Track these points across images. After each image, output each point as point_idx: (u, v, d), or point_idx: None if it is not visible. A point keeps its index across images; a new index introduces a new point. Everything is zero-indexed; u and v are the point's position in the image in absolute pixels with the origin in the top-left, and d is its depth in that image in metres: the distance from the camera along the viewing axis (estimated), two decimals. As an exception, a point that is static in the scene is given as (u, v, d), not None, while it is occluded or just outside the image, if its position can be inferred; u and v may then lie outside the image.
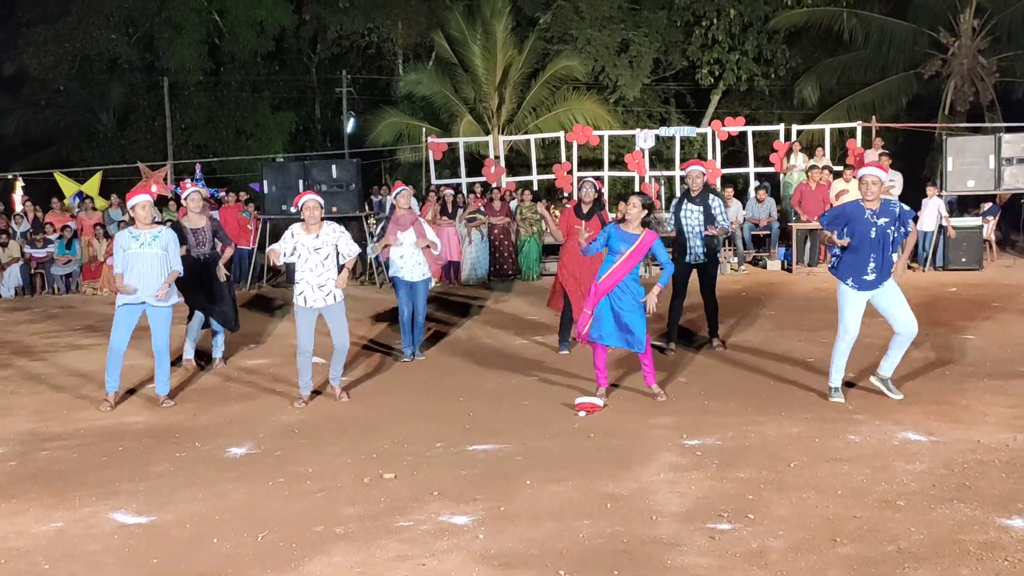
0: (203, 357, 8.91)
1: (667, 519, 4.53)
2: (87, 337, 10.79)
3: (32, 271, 15.60)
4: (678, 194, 18.43)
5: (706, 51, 21.88)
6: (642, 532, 4.38)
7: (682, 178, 18.10)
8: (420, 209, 14.28)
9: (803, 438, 5.81)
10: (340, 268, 7.18)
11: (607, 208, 10.64)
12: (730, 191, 15.49)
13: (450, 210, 14.99)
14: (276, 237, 18.03)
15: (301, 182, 14.40)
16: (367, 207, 16.55)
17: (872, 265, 6.46)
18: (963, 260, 13.95)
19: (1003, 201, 15.51)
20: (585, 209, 8.51)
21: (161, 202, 12.23)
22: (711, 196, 8.61)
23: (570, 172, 17.69)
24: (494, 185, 16.67)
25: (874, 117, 18.30)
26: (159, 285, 7.08)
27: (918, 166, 19.32)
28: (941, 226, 14.10)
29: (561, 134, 18.56)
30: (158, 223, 7.46)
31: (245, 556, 4.32)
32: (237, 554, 4.34)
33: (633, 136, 18.40)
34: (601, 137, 18.30)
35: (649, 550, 4.18)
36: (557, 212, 15.34)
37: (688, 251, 8.62)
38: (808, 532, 4.31)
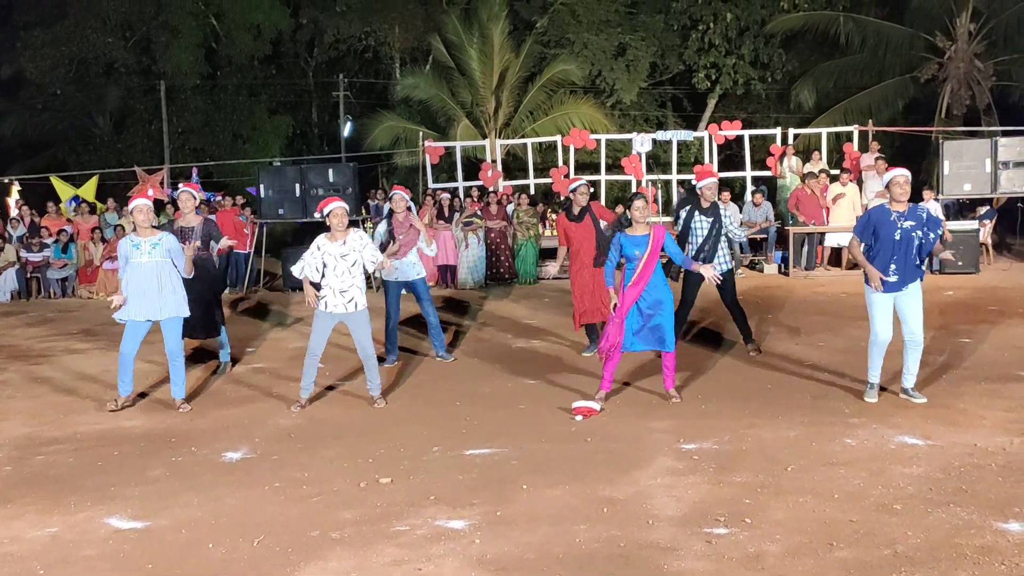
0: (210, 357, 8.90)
1: (664, 523, 4.53)
2: (83, 341, 10.77)
3: (28, 275, 15.57)
4: (674, 198, 18.48)
5: (703, 55, 21.88)
6: (639, 536, 4.38)
7: (680, 182, 18.43)
8: (418, 212, 14.23)
9: (800, 442, 5.82)
10: (367, 276, 7.11)
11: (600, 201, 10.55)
12: (727, 195, 15.48)
13: (447, 214, 14.99)
14: (272, 241, 17.89)
15: (298, 186, 14.40)
16: (364, 211, 16.55)
17: (893, 267, 6.48)
18: (960, 264, 13.94)
19: (999, 204, 15.54)
20: (576, 211, 8.50)
21: (158, 206, 12.19)
22: (720, 207, 8.54)
23: (567, 176, 17.68)
24: (491, 189, 16.67)
25: (871, 121, 18.31)
26: (158, 298, 7.08)
27: (914, 170, 19.09)
28: (938, 230, 14.10)
29: (558, 138, 18.55)
30: (156, 228, 7.44)
31: (240, 561, 4.31)
32: (232, 559, 4.34)
33: (630, 140, 18.38)
34: (598, 141, 18.30)
35: (646, 554, 4.18)
36: (554, 216, 15.36)
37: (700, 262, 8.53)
38: (805, 536, 4.31)
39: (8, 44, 23.88)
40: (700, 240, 8.49)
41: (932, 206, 14.28)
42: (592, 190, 8.83)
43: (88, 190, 18.31)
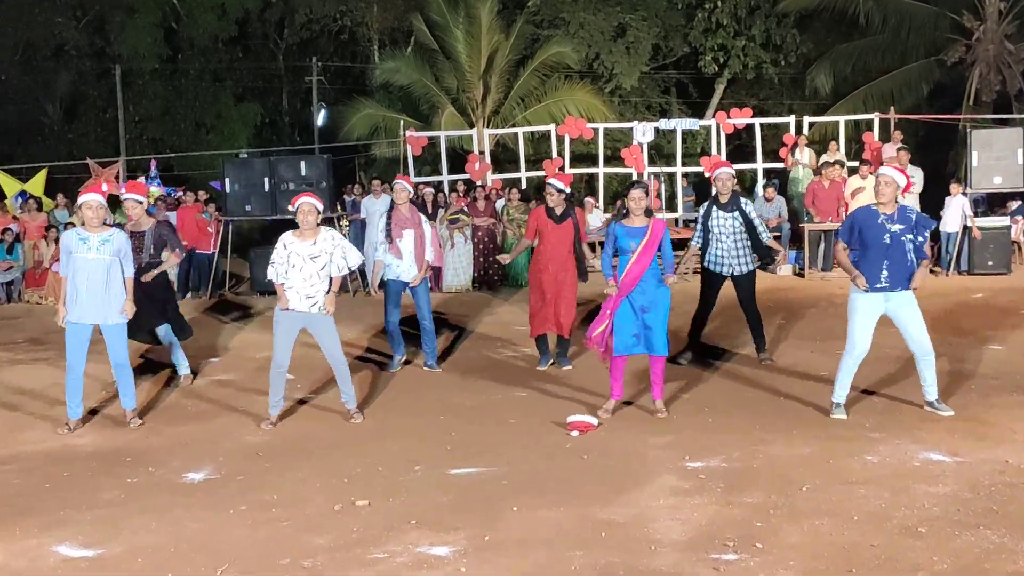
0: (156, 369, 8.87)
1: (667, 549, 4.53)
2: (29, 351, 10.73)
3: (-31, 278, 15.49)
4: (678, 191, 18.48)
5: (710, 36, 21.93)
6: (640, 563, 4.38)
7: (684, 175, 18.47)
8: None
9: (815, 459, 5.83)
10: (330, 283, 7.02)
11: (583, 206, 10.52)
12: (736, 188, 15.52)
13: (430, 210, 14.98)
14: (240, 240, 17.82)
15: (267, 180, 14.35)
16: (339, 207, 16.53)
17: (885, 274, 6.49)
18: (990, 263, 14.02)
19: (1033, 199, 15.60)
20: (559, 211, 8.51)
21: (113, 202, 12.14)
22: (742, 200, 8.54)
23: (562, 168, 17.70)
24: (478, 183, 16.66)
25: (892, 108, 18.37)
26: (104, 298, 7.04)
27: (941, 161, 19.38)
28: (966, 227, 14.16)
29: (552, 127, 18.56)
30: (110, 225, 7.41)
31: (203, 592, 4.30)
32: (194, 590, 4.32)
33: (630, 129, 18.42)
34: (595, 130, 18.33)
35: (647, 583, 4.18)
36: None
37: (718, 263, 8.55)
38: (821, 562, 4.32)
39: (-55, 25, 23.82)
40: (724, 239, 8.44)
41: (958, 200, 14.38)
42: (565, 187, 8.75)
43: (36, 185, 18.23)
